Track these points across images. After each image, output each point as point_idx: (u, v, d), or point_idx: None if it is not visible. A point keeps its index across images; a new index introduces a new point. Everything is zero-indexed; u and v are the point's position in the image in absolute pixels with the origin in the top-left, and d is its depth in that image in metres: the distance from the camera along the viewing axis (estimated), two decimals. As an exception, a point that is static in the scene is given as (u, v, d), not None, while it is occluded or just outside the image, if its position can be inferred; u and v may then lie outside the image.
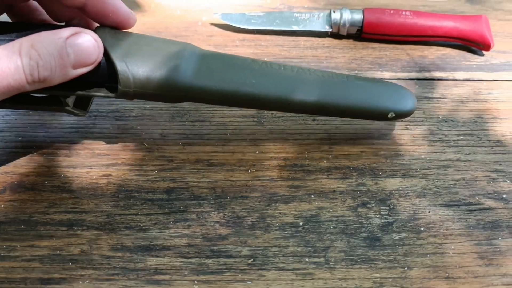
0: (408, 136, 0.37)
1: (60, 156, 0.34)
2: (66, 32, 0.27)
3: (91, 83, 0.30)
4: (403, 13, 0.45)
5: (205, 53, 0.33)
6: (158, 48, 0.31)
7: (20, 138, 0.35)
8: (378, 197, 0.33)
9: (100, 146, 0.35)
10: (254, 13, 0.47)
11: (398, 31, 0.45)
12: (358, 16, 0.46)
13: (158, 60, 0.30)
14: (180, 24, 0.48)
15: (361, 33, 0.46)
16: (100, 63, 0.29)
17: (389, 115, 0.34)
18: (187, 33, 0.46)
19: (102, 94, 0.31)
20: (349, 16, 0.45)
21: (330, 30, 0.46)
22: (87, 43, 0.28)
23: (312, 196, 0.33)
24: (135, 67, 0.30)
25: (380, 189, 0.33)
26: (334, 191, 0.33)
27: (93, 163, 0.34)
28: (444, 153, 0.36)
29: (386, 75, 0.43)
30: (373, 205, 0.32)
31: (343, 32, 0.46)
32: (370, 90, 0.34)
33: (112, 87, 0.30)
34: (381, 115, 0.34)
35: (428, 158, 0.36)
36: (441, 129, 0.38)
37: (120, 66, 0.29)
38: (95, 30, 0.30)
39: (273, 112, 0.38)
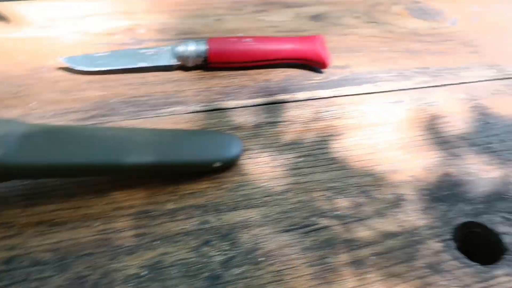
0: (251, 165, 0.39)
1: None
2: None
3: None
4: (245, 40, 0.47)
5: (30, 128, 0.32)
6: None
7: None
8: (220, 232, 0.34)
9: None
10: (100, 53, 0.47)
11: (242, 58, 0.47)
12: (202, 47, 0.47)
13: None
14: (24, 72, 0.46)
15: (207, 63, 0.47)
16: None
17: (214, 165, 0.36)
18: (31, 81, 0.45)
19: None
20: (193, 48, 0.47)
21: (177, 63, 0.47)
22: None
23: (157, 242, 0.33)
24: None
25: (223, 224, 0.35)
26: (178, 233, 0.34)
27: None
28: (285, 177, 0.38)
29: (231, 104, 0.44)
30: (215, 242, 0.34)
31: (190, 64, 0.47)
32: (192, 144, 0.36)
33: None
34: (206, 167, 0.36)
35: (269, 185, 0.37)
36: (282, 154, 0.40)
37: None
38: None
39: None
